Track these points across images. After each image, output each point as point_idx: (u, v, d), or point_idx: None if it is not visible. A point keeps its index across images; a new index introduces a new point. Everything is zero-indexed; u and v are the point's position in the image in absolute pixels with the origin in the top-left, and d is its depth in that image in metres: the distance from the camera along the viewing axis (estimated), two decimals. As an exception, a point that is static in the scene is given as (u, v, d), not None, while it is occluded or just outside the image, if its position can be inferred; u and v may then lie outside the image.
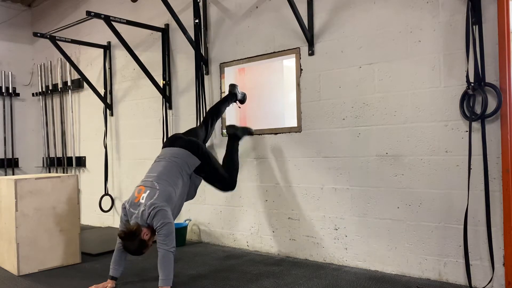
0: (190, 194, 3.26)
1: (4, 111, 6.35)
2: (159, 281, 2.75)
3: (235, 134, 3.69)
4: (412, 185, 3.09)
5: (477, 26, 2.77)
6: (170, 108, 4.73)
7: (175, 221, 3.21)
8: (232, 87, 3.90)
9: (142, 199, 2.81)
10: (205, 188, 4.37)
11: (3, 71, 6.34)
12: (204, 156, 3.22)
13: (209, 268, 3.44)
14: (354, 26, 3.35)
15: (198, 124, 4.12)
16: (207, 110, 4.25)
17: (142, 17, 4.84)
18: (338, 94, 3.45)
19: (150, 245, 2.86)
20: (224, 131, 4.20)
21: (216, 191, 4.26)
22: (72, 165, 5.95)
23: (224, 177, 3.38)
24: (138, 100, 5.08)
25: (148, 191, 2.85)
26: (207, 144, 4.18)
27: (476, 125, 2.81)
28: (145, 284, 3.13)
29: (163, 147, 3.37)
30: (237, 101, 3.98)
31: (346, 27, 3.39)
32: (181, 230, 4.32)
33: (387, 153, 3.21)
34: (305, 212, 3.66)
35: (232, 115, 4.32)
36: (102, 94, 5.37)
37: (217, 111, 3.85)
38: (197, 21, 4.17)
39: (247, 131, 3.86)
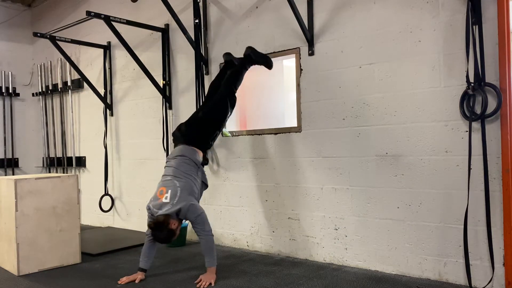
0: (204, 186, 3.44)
1: (4, 111, 6.35)
2: (206, 262, 3.09)
3: (249, 55, 3.63)
4: (412, 185, 3.09)
5: (477, 26, 2.77)
6: (170, 108, 4.73)
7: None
8: (250, 50, 3.66)
9: (166, 198, 3.04)
10: (205, 188, 4.37)
11: (3, 71, 6.34)
12: (204, 141, 3.42)
13: (209, 268, 3.44)
14: (354, 26, 3.35)
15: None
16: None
17: (142, 17, 4.83)
18: (338, 94, 3.45)
19: (177, 234, 3.10)
20: (225, 129, 4.20)
21: (216, 192, 4.25)
22: (72, 165, 5.95)
23: (221, 109, 3.47)
24: (138, 100, 5.08)
25: (170, 191, 3.07)
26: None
27: (476, 125, 2.80)
28: (146, 284, 3.13)
29: (174, 144, 3.52)
30: (254, 64, 3.69)
31: (346, 27, 3.39)
32: (181, 230, 4.31)
33: (387, 153, 3.21)
34: (305, 212, 3.66)
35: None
36: (102, 94, 5.37)
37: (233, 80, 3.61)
38: (197, 21, 4.17)
39: (265, 59, 3.66)
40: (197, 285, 3.02)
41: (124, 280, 3.15)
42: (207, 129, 3.44)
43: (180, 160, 3.25)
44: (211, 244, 3.09)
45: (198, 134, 3.41)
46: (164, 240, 3.07)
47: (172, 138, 3.64)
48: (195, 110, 4.26)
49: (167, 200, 3.03)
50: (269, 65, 3.70)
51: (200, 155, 3.37)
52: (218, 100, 3.52)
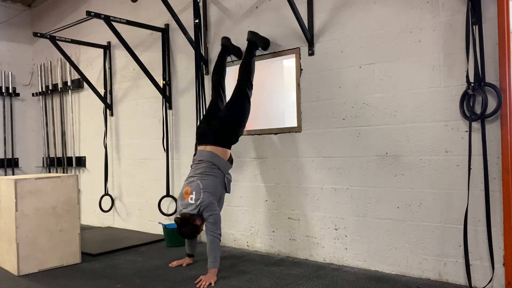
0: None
1: (4, 111, 6.35)
2: (208, 263, 3.18)
3: (254, 42, 3.78)
4: (412, 185, 3.09)
5: (477, 26, 2.77)
6: (170, 108, 4.73)
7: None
8: (253, 35, 3.79)
9: (191, 199, 3.24)
10: (205, 188, 4.37)
11: (3, 71, 6.34)
12: (234, 139, 3.56)
13: (209, 268, 3.44)
14: (354, 26, 3.35)
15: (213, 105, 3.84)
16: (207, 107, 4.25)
17: (142, 17, 4.84)
18: (338, 94, 3.45)
19: (201, 230, 3.30)
20: None
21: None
22: (72, 165, 5.95)
23: (246, 104, 3.60)
24: (138, 100, 5.08)
25: (194, 192, 3.24)
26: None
27: (476, 125, 2.80)
28: (146, 284, 3.13)
29: (197, 143, 3.60)
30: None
31: (346, 27, 3.39)
32: (181, 230, 4.32)
33: (387, 153, 3.21)
34: (305, 212, 3.66)
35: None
36: (102, 94, 5.37)
37: (246, 72, 3.72)
38: (197, 21, 4.17)
39: (265, 43, 3.86)
40: (197, 285, 3.05)
41: (174, 264, 3.54)
42: (237, 128, 3.56)
43: (208, 165, 3.37)
44: (216, 246, 3.18)
45: (229, 134, 3.52)
46: (189, 235, 3.31)
47: (197, 132, 3.69)
48: (195, 110, 4.29)
49: (192, 202, 3.22)
50: (266, 48, 3.90)
51: (227, 156, 3.48)
52: (240, 98, 3.61)
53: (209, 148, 3.43)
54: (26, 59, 6.64)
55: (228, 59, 4.04)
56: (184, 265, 3.52)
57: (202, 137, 3.55)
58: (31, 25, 6.61)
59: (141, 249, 4.23)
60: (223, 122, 3.53)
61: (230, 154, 3.54)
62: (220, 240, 3.22)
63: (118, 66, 5.32)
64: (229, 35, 4.16)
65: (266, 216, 3.92)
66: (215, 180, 3.34)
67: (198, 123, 3.72)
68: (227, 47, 3.97)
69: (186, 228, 3.22)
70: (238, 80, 3.70)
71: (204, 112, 4.11)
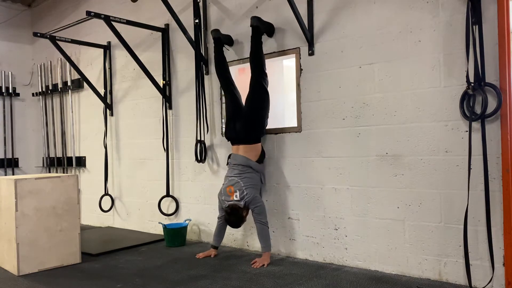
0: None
1: (4, 111, 6.35)
2: (262, 248, 3.57)
3: (258, 27, 3.75)
4: (412, 185, 3.09)
5: (477, 26, 2.77)
6: (170, 108, 4.73)
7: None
8: (256, 20, 3.74)
9: (236, 197, 3.59)
10: (204, 188, 4.37)
11: (3, 71, 6.34)
12: (261, 130, 3.79)
13: (209, 268, 3.44)
14: (354, 26, 3.35)
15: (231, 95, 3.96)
16: (206, 110, 4.27)
17: (142, 17, 4.83)
18: (338, 94, 3.45)
19: (245, 221, 3.64)
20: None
21: (216, 192, 4.23)
22: (72, 165, 5.95)
23: (264, 96, 3.76)
24: (138, 100, 5.08)
25: (237, 190, 3.59)
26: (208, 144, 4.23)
27: (476, 125, 2.80)
28: (146, 284, 3.13)
29: (232, 143, 3.83)
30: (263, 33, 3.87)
31: (346, 27, 3.39)
32: (181, 230, 4.32)
33: (387, 153, 3.21)
34: (305, 212, 3.66)
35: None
36: (102, 94, 5.36)
37: (257, 62, 3.77)
38: (197, 21, 4.17)
39: (269, 28, 3.83)
40: (252, 266, 3.44)
41: (200, 255, 3.79)
42: (261, 122, 3.76)
43: (242, 167, 3.66)
44: (266, 232, 3.56)
45: (255, 130, 3.73)
46: (235, 223, 3.58)
47: (226, 136, 3.91)
48: (195, 110, 4.29)
49: (237, 199, 3.57)
50: (270, 34, 3.88)
51: (259, 150, 3.73)
52: (258, 92, 3.73)
53: (241, 149, 3.71)
54: (26, 59, 6.64)
55: (224, 50, 4.10)
56: (212, 256, 3.77)
57: (232, 139, 3.82)
58: (31, 25, 6.61)
59: (141, 249, 4.23)
60: (246, 122, 3.72)
61: (262, 147, 3.78)
62: (268, 227, 3.58)
63: (118, 66, 5.32)
64: (229, 35, 4.16)
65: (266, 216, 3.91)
66: (254, 176, 3.67)
67: (225, 125, 3.93)
68: (220, 39, 4.03)
69: (234, 216, 3.54)
70: (252, 74, 3.77)
71: (226, 113, 4.03)
